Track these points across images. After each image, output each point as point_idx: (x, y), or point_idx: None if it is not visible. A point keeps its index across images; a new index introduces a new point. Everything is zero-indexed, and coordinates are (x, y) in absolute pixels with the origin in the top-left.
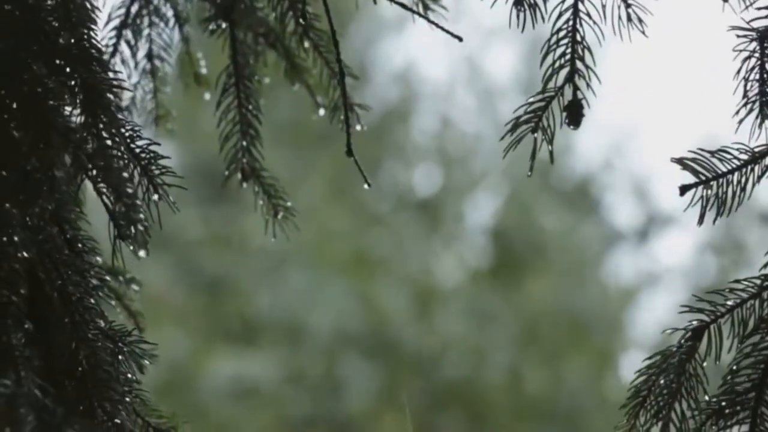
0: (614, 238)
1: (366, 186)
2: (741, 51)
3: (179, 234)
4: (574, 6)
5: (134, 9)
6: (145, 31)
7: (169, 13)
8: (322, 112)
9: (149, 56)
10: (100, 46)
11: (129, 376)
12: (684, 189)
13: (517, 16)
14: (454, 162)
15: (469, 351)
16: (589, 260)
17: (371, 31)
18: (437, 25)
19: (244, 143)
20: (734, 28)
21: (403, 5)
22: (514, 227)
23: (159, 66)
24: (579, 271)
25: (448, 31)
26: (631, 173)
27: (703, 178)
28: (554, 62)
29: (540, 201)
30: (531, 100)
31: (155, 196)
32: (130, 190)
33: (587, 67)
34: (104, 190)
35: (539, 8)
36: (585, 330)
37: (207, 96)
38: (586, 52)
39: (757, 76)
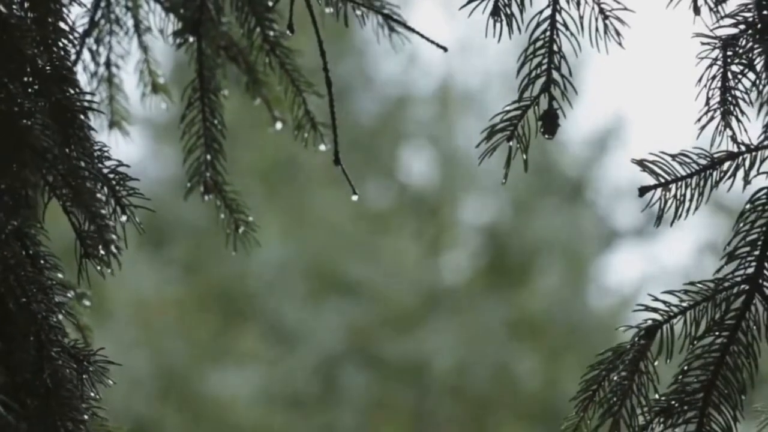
0: (612, 238)
1: (354, 197)
2: (704, 58)
3: (181, 239)
4: (552, 17)
5: (97, 17)
6: (106, 39)
7: (130, 22)
8: (279, 125)
9: (107, 64)
10: (71, 64)
11: (92, 394)
12: (643, 190)
13: (494, 26)
14: (450, 163)
15: (473, 352)
16: (587, 261)
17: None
18: (422, 36)
19: (208, 157)
20: (698, 35)
21: (387, 15)
22: (511, 228)
23: (115, 73)
24: (577, 272)
25: (433, 42)
26: (630, 172)
27: (663, 180)
28: (530, 72)
29: (537, 202)
30: (507, 108)
31: (123, 218)
32: (103, 211)
33: (563, 77)
34: (72, 209)
35: (516, 18)
36: (582, 331)
37: (163, 105)
38: (562, 62)
39: (719, 84)
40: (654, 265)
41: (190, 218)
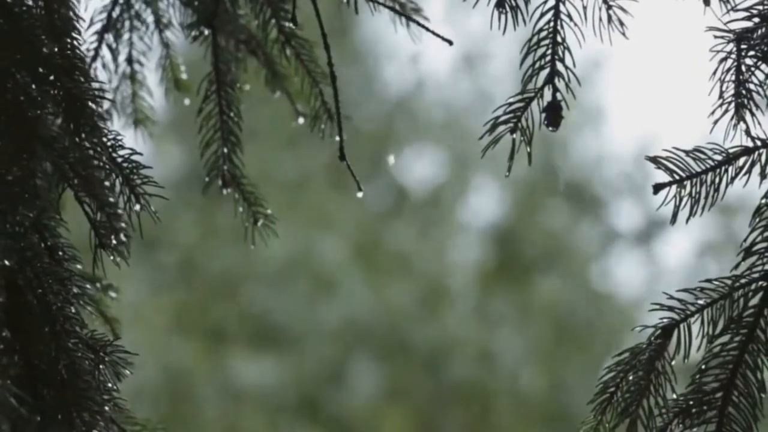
0: (617, 238)
1: (359, 193)
2: (718, 52)
3: (182, 232)
4: (555, 7)
5: (116, 13)
6: (126, 35)
7: (150, 18)
8: (301, 120)
9: (129, 60)
10: (83, 54)
11: (109, 385)
12: (657, 187)
13: (499, 18)
14: (460, 159)
15: (475, 350)
16: (593, 261)
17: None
18: (428, 29)
19: (225, 150)
20: (711, 29)
21: (394, 9)
22: (521, 227)
23: (138, 70)
24: (583, 272)
25: (438, 35)
26: (633, 173)
27: (677, 177)
28: (534, 63)
29: (546, 201)
30: (510, 100)
31: (137, 206)
32: (111, 199)
33: (567, 68)
34: (85, 199)
35: (521, 10)
36: (589, 331)
37: (187, 101)
38: (566, 53)
39: (733, 77)
40: (656, 266)
41: (186, 220)
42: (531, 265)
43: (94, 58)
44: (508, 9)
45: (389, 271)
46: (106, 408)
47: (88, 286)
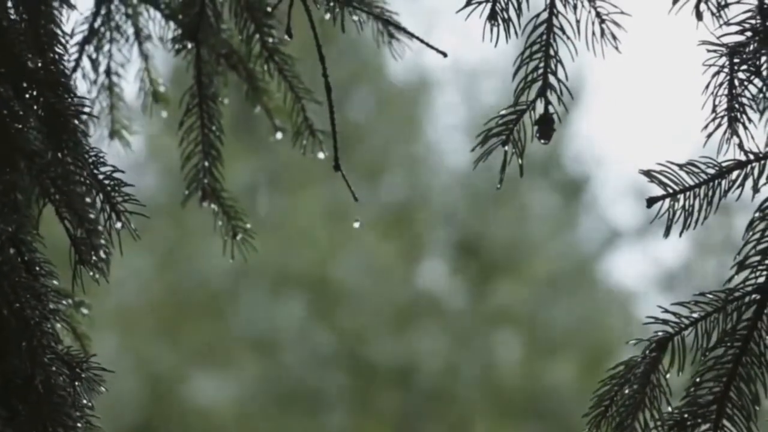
0: (612, 238)
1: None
2: (710, 66)
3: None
4: (548, 21)
5: (97, 24)
6: (105, 47)
7: (130, 30)
8: (279, 135)
9: (107, 72)
10: (66, 70)
11: (84, 401)
12: (651, 201)
13: (491, 30)
14: (434, 165)
15: (447, 360)
16: (584, 261)
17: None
18: (421, 41)
19: (206, 163)
20: (704, 42)
21: (386, 21)
22: (494, 231)
23: (116, 82)
24: (572, 274)
25: (432, 47)
26: (630, 172)
27: (671, 190)
28: (527, 76)
29: (528, 202)
30: (503, 112)
31: (118, 224)
32: (92, 216)
33: (560, 81)
34: (66, 215)
35: (513, 23)
36: (578, 334)
37: (164, 114)
38: (559, 66)
39: (726, 91)
40: (653, 266)
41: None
42: (499, 268)
43: (74, 69)
44: (500, 21)
45: (357, 285)
46: (79, 424)
47: (63, 302)
